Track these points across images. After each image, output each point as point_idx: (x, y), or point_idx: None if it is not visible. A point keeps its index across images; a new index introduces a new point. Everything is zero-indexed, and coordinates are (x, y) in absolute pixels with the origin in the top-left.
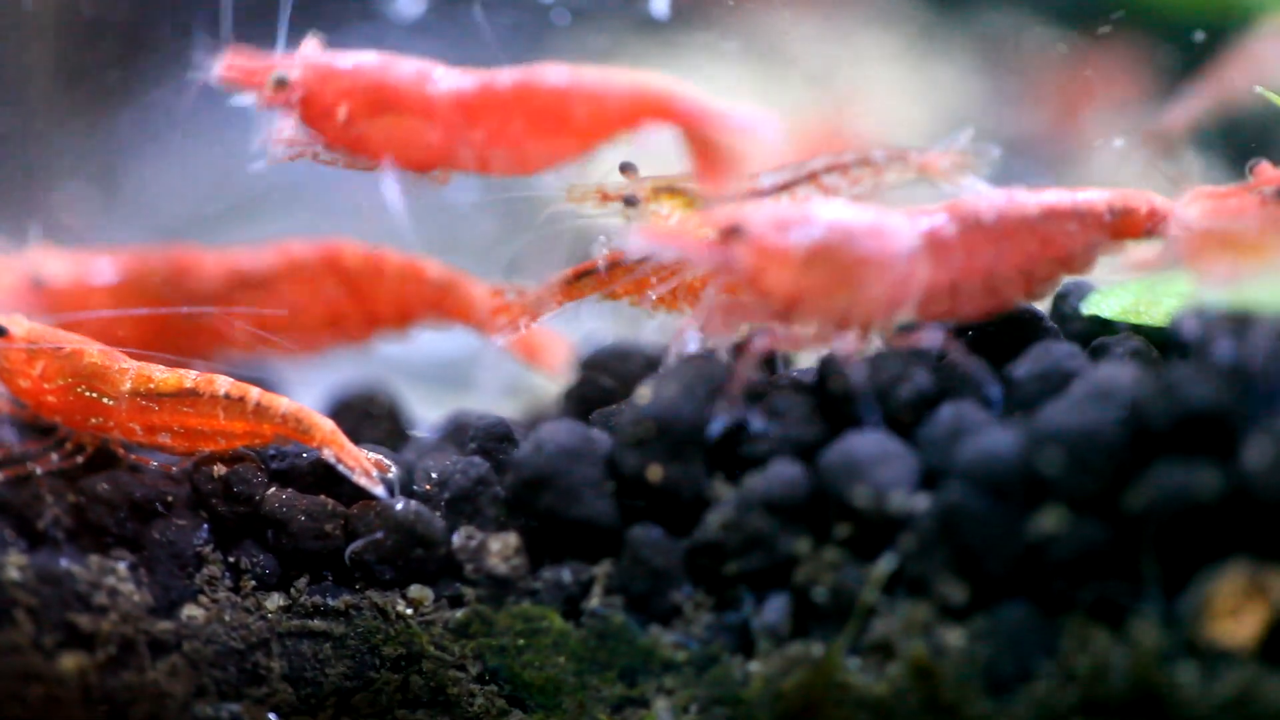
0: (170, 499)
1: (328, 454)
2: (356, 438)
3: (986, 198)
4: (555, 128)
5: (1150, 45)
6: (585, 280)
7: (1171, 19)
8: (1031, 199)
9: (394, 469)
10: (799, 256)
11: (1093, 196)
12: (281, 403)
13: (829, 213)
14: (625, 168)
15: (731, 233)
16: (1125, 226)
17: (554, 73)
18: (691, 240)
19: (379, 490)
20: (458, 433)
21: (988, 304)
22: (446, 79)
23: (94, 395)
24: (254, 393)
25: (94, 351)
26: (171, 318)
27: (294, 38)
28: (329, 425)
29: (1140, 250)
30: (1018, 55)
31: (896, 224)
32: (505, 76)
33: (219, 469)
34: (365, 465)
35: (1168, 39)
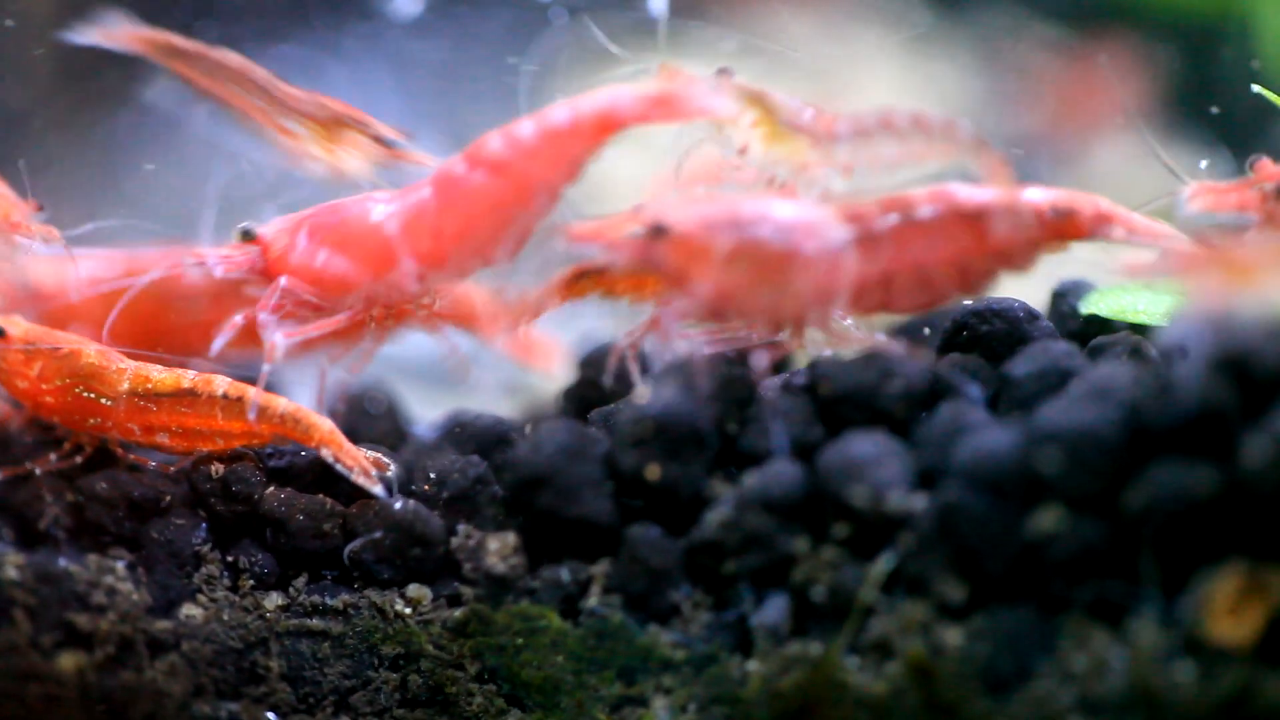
0: (168, 498)
1: (326, 453)
2: (355, 437)
3: (920, 191)
4: (518, 182)
5: (1149, 44)
6: (585, 279)
7: (1171, 18)
8: (967, 193)
9: (393, 468)
10: (722, 253)
11: (1035, 195)
12: (279, 402)
13: (753, 208)
14: (723, 70)
15: (656, 231)
16: (1068, 227)
17: (495, 137)
18: (617, 239)
19: (377, 489)
20: (457, 432)
21: (921, 298)
22: (390, 199)
23: (92, 395)
24: (252, 392)
25: (91, 352)
26: (165, 317)
27: (295, 38)
28: (327, 425)
29: (1135, 257)
30: (1017, 54)
31: (822, 217)
32: (455, 161)
33: (217, 468)
34: (364, 464)
35: (1167, 38)
